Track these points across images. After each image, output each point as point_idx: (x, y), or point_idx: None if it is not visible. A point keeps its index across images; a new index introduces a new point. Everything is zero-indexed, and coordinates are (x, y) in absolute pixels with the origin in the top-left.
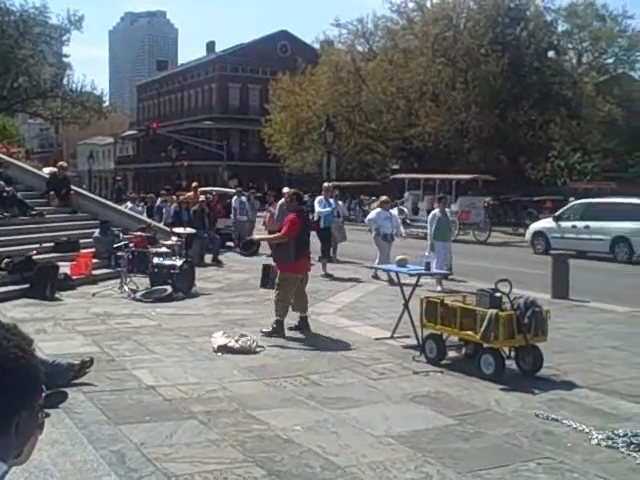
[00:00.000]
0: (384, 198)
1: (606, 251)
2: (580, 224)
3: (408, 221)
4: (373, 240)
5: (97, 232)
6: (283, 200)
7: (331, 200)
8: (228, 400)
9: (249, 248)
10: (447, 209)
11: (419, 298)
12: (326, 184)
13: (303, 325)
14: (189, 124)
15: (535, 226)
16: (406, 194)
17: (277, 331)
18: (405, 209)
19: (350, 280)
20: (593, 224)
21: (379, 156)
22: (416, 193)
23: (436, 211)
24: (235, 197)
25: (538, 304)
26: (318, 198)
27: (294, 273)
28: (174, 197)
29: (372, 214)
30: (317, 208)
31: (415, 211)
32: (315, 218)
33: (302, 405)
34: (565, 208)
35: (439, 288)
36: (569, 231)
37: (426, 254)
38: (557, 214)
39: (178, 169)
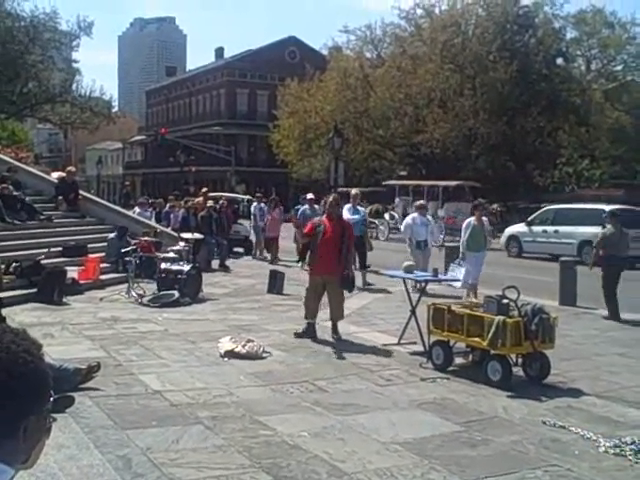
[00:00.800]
0: (419, 203)
1: (574, 254)
2: (550, 229)
3: (400, 227)
4: (407, 248)
5: (113, 235)
6: (307, 206)
7: (360, 208)
8: (235, 406)
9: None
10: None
11: (426, 305)
12: (354, 191)
13: (332, 330)
14: (197, 129)
15: (509, 230)
16: (396, 200)
17: (306, 332)
18: (395, 214)
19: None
20: (562, 229)
21: (387, 162)
22: (406, 199)
23: (471, 219)
24: (255, 204)
25: (546, 311)
26: (347, 206)
27: (311, 275)
28: (182, 202)
29: (408, 219)
30: (346, 216)
31: (405, 216)
32: None
33: (309, 411)
34: (537, 213)
35: (472, 299)
36: (540, 235)
37: (455, 264)
38: (530, 219)
39: (186, 174)
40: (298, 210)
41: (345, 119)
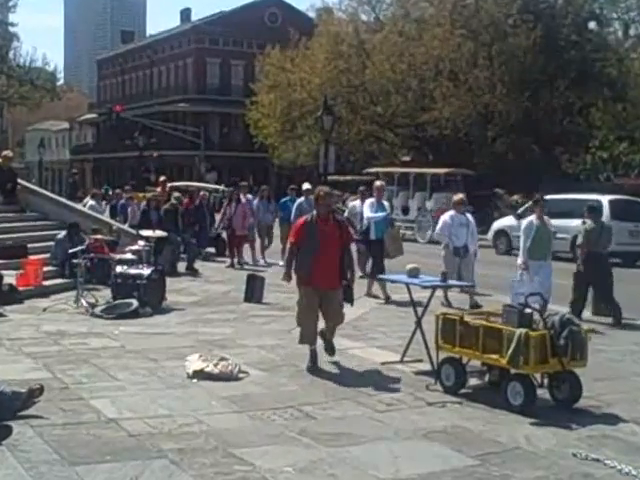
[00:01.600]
0: (458, 197)
1: (566, 250)
2: (575, 223)
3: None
4: (442, 253)
5: (62, 234)
6: (303, 199)
7: (385, 203)
8: (205, 436)
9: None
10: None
11: (434, 315)
12: (378, 183)
13: (325, 343)
14: (160, 107)
15: (497, 225)
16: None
17: (312, 365)
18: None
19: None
20: (554, 222)
21: (387, 146)
22: (391, 189)
23: (532, 218)
24: (255, 199)
25: (576, 322)
26: (369, 201)
27: (304, 285)
28: (143, 194)
29: (446, 217)
30: (367, 213)
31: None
32: (363, 227)
33: (294, 442)
34: (527, 205)
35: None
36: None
37: (517, 277)
38: (519, 211)
39: (146, 160)
40: (286, 203)
41: (337, 94)
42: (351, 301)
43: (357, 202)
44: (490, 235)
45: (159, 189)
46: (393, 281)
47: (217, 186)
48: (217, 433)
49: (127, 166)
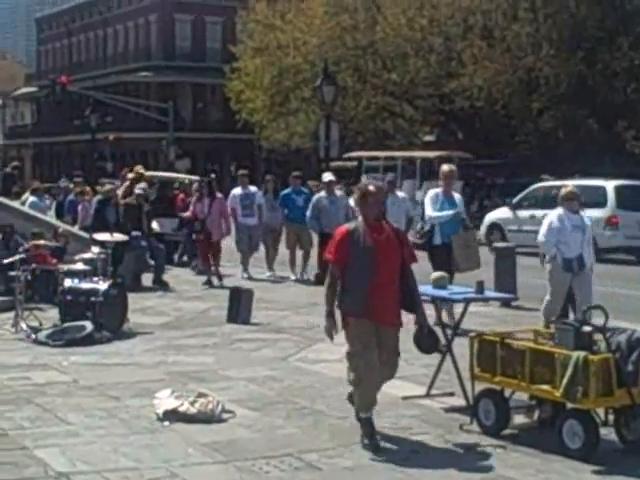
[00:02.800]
0: (568, 190)
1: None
2: (539, 213)
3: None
4: (547, 268)
5: None
6: (323, 194)
7: (456, 195)
8: None
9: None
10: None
11: (469, 336)
12: (446, 167)
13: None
14: (117, 77)
15: (490, 217)
16: (363, 178)
17: (367, 436)
18: None
19: None
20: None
21: (404, 122)
22: (374, 176)
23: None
24: (261, 192)
25: None
26: (432, 192)
27: (356, 318)
28: (98, 188)
29: (553, 218)
30: (429, 211)
31: None
32: (425, 227)
33: None
34: (524, 193)
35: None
36: (527, 222)
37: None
38: (515, 201)
39: (101, 145)
40: (289, 197)
41: (340, 58)
42: (433, 348)
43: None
44: (482, 229)
45: (127, 184)
46: None
47: (190, 176)
48: None
49: (76, 152)
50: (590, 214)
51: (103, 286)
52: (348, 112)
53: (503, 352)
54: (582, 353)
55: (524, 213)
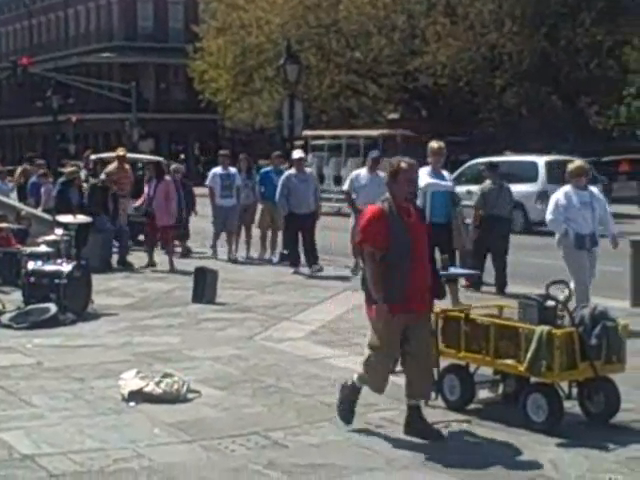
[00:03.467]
0: (576, 166)
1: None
2: (475, 188)
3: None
4: (561, 251)
5: None
6: (292, 171)
7: (445, 173)
8: (147, 473)
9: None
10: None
11: (433, 312)
12: (435, 144)
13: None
14: (78, 58)
15: None
16: (310, 157)
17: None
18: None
19: (330, 285)
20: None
21: (368, 100)
22: (320, 155)
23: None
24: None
25: (611, 316)
26: (425, 169)
27: (385, 315)
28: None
29: (559, 196)
30: (427, 181)
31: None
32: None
33: (260, 478)
34: (461, 169)
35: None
36: (464, 197)
37: None
38: (453, 176)
39: (63, 126)
40: (268, 175)
41: (303, 37)
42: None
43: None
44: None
45: (115, 165)
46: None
47: (154, 157)
48: (162, 469)
49: (38, 134)
50: (522, 189)
51: (67, 268)
52: (312, 91)
53: (467, 328)
54: (546, 327)
55: (461, 188)
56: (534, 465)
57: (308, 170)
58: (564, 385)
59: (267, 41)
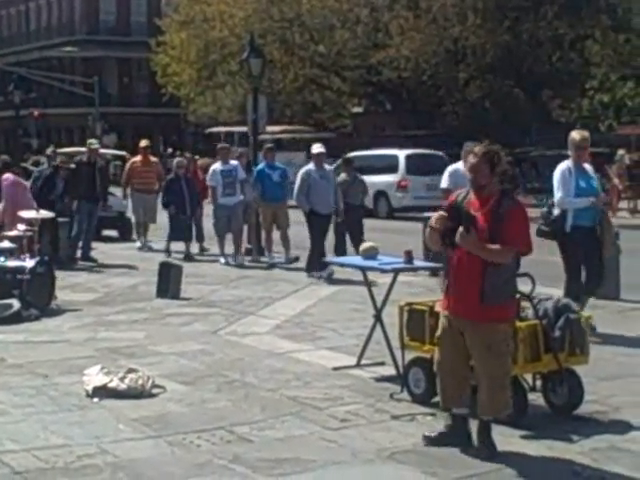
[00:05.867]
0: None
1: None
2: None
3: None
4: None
5: None
6: (311, 166)
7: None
8: (111, 469)
9: None
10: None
11: (398, 305)
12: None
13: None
14: (40, 52)
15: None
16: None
17: (449, 435)
18: None
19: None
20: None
21: (332, 94)
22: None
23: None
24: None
25: (574, 308)
26: (564, 165)
27: (514, 319)
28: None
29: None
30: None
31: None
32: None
33: (225, 472)
34: (338, 163)
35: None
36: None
37: None
38: (334, 167)
39: (25, 121)
40: (263, 173)
41: (266, 30)
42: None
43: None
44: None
45: (138, 158)
46: (343, 265)
47: (117, 151)
48: (127, 465)
49: (0, 129)
50: (385, 179)
51: (30, 263)
52: (276, 85)
53: (432, 321)
54: None
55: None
56: (499, 457)
57: (327, 167)
58: (528, 377)
59: (230, 35)
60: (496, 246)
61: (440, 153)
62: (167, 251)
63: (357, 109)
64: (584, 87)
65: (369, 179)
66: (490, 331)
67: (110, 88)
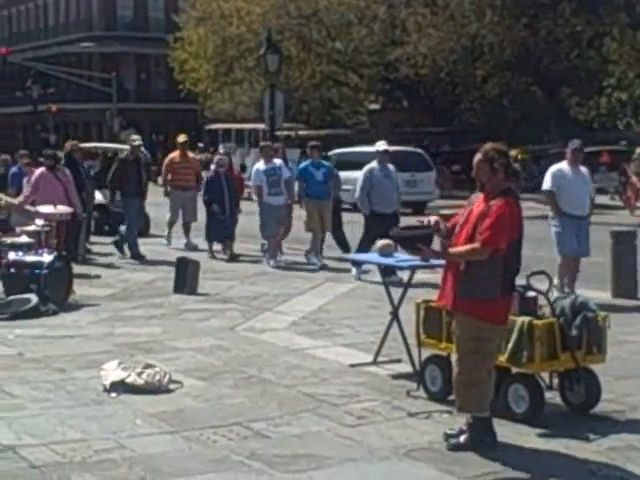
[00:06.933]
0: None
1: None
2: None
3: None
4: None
5: None
6: (374, 165)
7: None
8: (128, 464)
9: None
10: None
11: (414, 303)
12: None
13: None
14: (58, 48)
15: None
16: (220, 147)
17: (478, 438)
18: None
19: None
20: (344, 174)
21: (349, 91)
22: (229, 146)
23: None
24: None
25: (592, 307)
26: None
27: (497, 322)
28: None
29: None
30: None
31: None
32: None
33: (242, 468)
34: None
35: None
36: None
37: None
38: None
39: (43, 116)
40: (307, 170)
41: (284, 27)
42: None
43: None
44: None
45: (176, 153)
46: (361, 262)
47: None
48: (144, 460)
49: (18, 124)
50: (359, 175)
51: (48, 258)
52: (293, 81)
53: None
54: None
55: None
56: (515, 455)
57: (391, 166)
58: (545, 376)
59: (248, 31)
60: (458, 249)
61: (419, 150)
62: (211, 251)
63: (374, 106)
64: (602, 85)
65: (352, 175)
66: (462, 323)
67: (128, 84)
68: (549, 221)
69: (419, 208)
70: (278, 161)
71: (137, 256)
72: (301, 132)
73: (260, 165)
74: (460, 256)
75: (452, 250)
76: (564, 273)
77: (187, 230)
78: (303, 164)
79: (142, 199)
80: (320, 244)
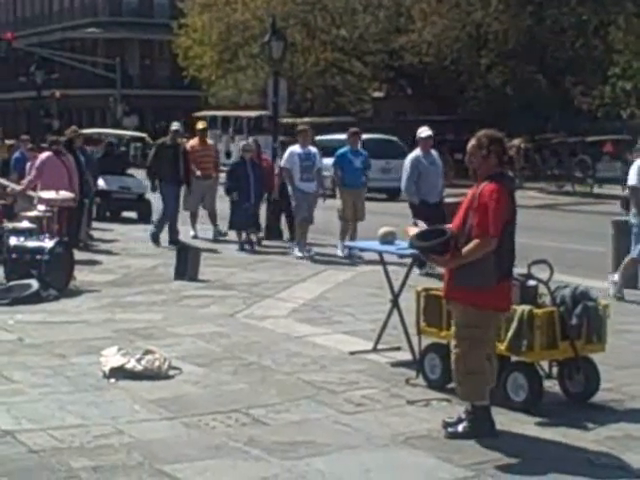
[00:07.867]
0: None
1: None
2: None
3: None
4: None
5: None
6: (418, 152)
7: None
8: (127, 450)
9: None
10: None
11: (415, 291)
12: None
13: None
14: (62, 33)
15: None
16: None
17: (477, 426)
18: None
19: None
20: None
21: (354, 78)
22: (213, 132)
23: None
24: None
25: (592, 296)
26: None
27: (495, 309)
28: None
29: None
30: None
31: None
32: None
33: (240, 455)
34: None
35: None
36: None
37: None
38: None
39: (47, 102)
40: (345, 157)
41: (288, 14)
42: None
43: None
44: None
45: (195, 141)
46: (362, 249)
47: (138, 133)
48: (142, 446)
49: (22, 109)
50: (405, 164)
51: (49, 244)
52: (297, 68)
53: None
54: (527, 307)
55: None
56: (513, 443)
57: (434, 152)
58: (544, 364)
59: (252, 18)
60: (465, 250)
61: (394, 138)
62: (240, 242)
63: (378, 94)
64: (606, 74)
65: (329, 162)
66: (456, 311)
67: (132, 70)
68: (630, 219)
69: (393, 194)
70: (314, 148)
71: (176, 242)
72: (305, 119)
73: (296, 148)
74: (470, 256)
75: (463, 252)
76: (629, 275)
77: (214, 219)
78: (341, 150)
79: (180, 185)
80: (352, 233)
